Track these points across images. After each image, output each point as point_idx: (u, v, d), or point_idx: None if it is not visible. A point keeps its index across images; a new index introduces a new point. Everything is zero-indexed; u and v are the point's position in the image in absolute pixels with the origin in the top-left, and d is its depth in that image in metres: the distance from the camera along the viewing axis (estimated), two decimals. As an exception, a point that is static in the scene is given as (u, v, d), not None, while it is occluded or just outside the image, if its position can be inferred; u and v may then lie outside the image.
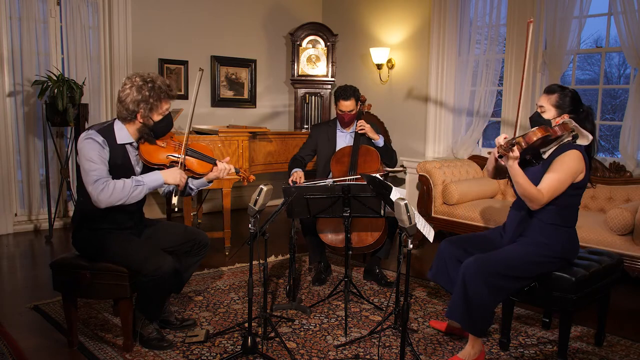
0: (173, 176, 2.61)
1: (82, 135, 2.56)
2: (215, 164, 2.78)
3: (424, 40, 5.86)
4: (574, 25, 4.69)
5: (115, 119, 2.68)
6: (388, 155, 3.99)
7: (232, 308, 3.33)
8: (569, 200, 2.59)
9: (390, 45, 6.17)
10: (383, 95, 6.28)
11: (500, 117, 5.40)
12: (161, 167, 2.66)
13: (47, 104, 4.80)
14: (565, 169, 2.51)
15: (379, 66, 6.18)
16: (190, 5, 6.01)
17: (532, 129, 2.49)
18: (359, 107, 3.98)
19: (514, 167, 2.49)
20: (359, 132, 3.89)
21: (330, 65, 6.50)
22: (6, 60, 4.98)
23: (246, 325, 2.77)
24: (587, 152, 2.61)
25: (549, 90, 2.68)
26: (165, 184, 2.61)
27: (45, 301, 3.35)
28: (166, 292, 2.81)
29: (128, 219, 2.74)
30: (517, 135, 2.54)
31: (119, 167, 2.60)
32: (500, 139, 2.50)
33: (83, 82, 5.08)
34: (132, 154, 2.67)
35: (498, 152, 2.50)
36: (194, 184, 2.89)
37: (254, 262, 2.67)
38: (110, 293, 2.69)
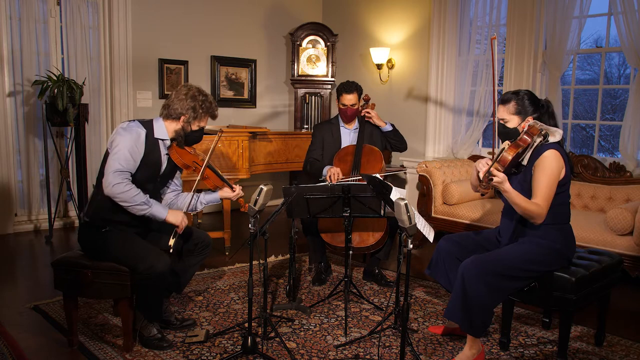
0: (175, 216, 2.73)
1: (124, 123, 2.70)
2: (232, 187, 2.95)
3: (424, 40, 5.86)
4: (574, 25, 4.69)
5: (152, 119, 2.82)
6: (398, 138, 3.94)
7: (232, 308, 3.33)
8: (557, 198, 2.57)
9: (390, 45, 6.17)
10: (383, 95, 6.27)
11: (500, 117, 5.40)
12: (185, 167, 2.82)
13: (47, 104, 4.79)
14: (548, 173, 2.50)
15: (379, 66, 6.18)
16: (190, 5, 6.01)
17: (503, 149, 2.48)
18: (361, 103, 3.93)
19: (508, 192, 2.47)
20: (366, 118, 3.84)
21: (330, 65, 6.50)
22: (6, 60, 4.98)
23: (246, 325, 2.77)
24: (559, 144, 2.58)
25: (504, 101, 2.66)
26: (166, 220, 2.72)
27: (45, 301, 3.35)
28: (163, 292, 2.83)
29: (139, 216, 2.75)
30: (494, 153, 2.55)
31: (149, 159, 2.73)
32: (480, 172, 2.51)
33: (83, 82, 5.08)
34: (163, 151, 2.82)
35: (480, 189, 2.54)
36: (205, 198, 2.99)
37: (254, 262, 2.67)
38: (111, 292, 2.70)
